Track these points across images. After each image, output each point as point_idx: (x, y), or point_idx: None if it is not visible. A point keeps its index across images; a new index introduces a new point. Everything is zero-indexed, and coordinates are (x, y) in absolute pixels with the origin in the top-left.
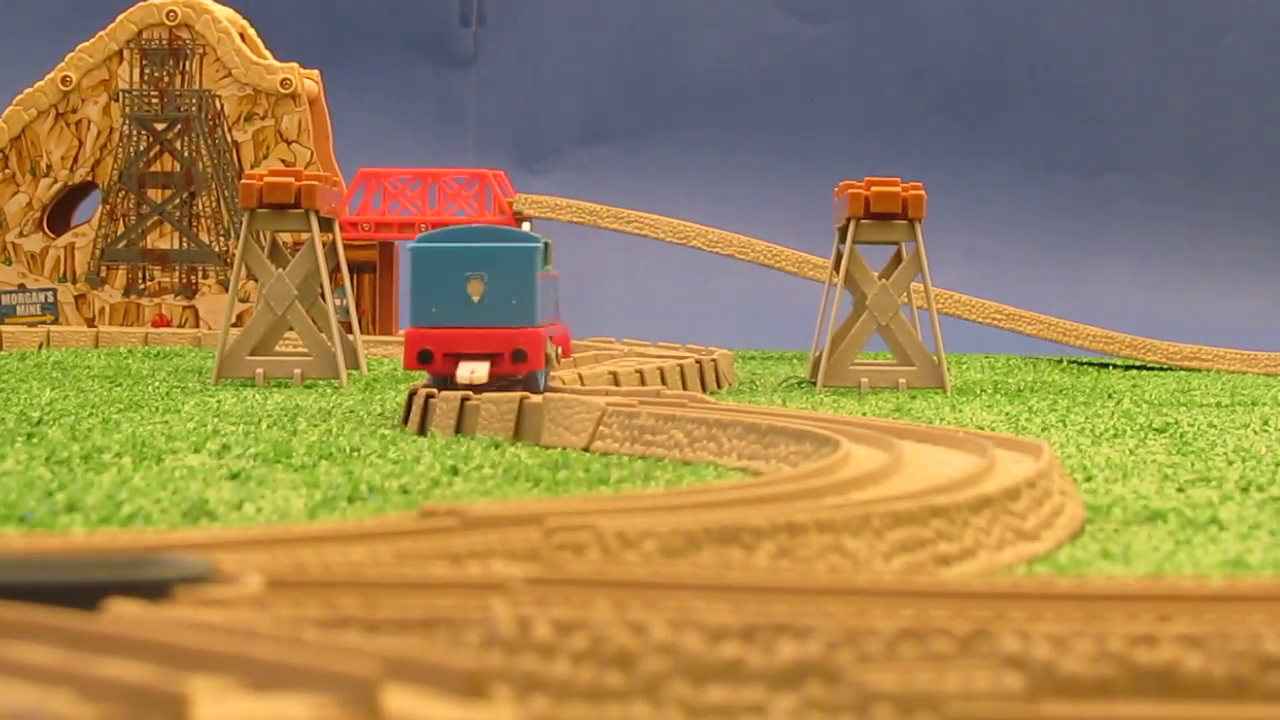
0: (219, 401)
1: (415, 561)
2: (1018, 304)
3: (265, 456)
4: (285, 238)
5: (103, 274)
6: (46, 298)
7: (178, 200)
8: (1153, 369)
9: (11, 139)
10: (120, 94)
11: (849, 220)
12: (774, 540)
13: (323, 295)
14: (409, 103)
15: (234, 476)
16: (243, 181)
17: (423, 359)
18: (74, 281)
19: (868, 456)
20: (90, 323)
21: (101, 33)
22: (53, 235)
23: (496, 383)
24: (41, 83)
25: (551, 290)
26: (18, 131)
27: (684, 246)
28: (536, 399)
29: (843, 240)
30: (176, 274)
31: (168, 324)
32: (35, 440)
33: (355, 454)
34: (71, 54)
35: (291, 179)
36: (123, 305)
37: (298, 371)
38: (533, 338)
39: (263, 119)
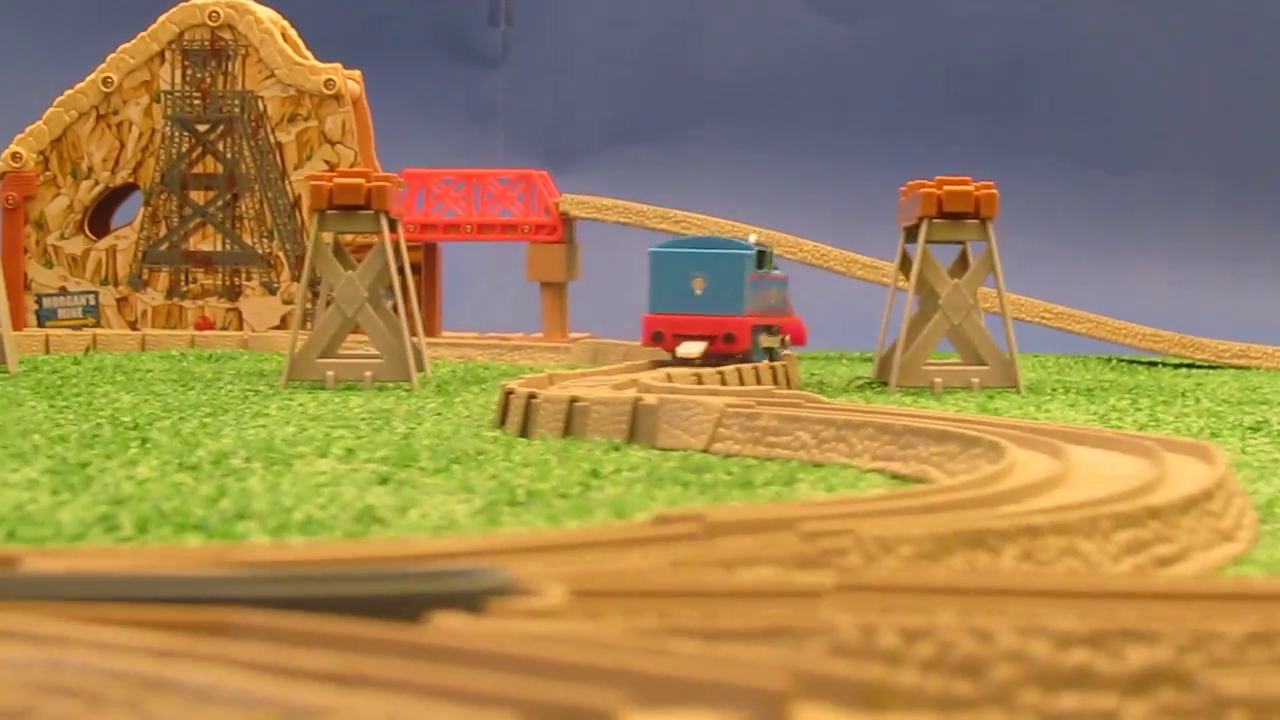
0: (301, 405)
1: (693, 569)
2: (1051, 302)
3: (394, 460)
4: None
5: (145, 276)
6: (88, 300)
7: (220, 202)
8: (1202, 367)
9: (52, 141)
10: (162, 95)
11: (920, 219)
12: (1016, 544)
13: (404, 295)
14: (437, 103)
15: (383, 482)
16: (313, 183)
17: (656, 338)
18: (116, 284)
19: (1031, 459)
20: (133, 326)
21: (142, 34)
22: (94, 238)
23: (711, 358)
24: (82, 84)
25: (770, 287)
26: (58, 133)
27: None
28: (651, 400)
29: (909, 239)
30: (219, 276)
31: (211, 326)
32: (150, 446)
33: (483, 457)
34: (112, 55)
35: (362, 180)
36: (165, 308)
37: (369, 374)
38: (741, 324)
39: (306, 120)
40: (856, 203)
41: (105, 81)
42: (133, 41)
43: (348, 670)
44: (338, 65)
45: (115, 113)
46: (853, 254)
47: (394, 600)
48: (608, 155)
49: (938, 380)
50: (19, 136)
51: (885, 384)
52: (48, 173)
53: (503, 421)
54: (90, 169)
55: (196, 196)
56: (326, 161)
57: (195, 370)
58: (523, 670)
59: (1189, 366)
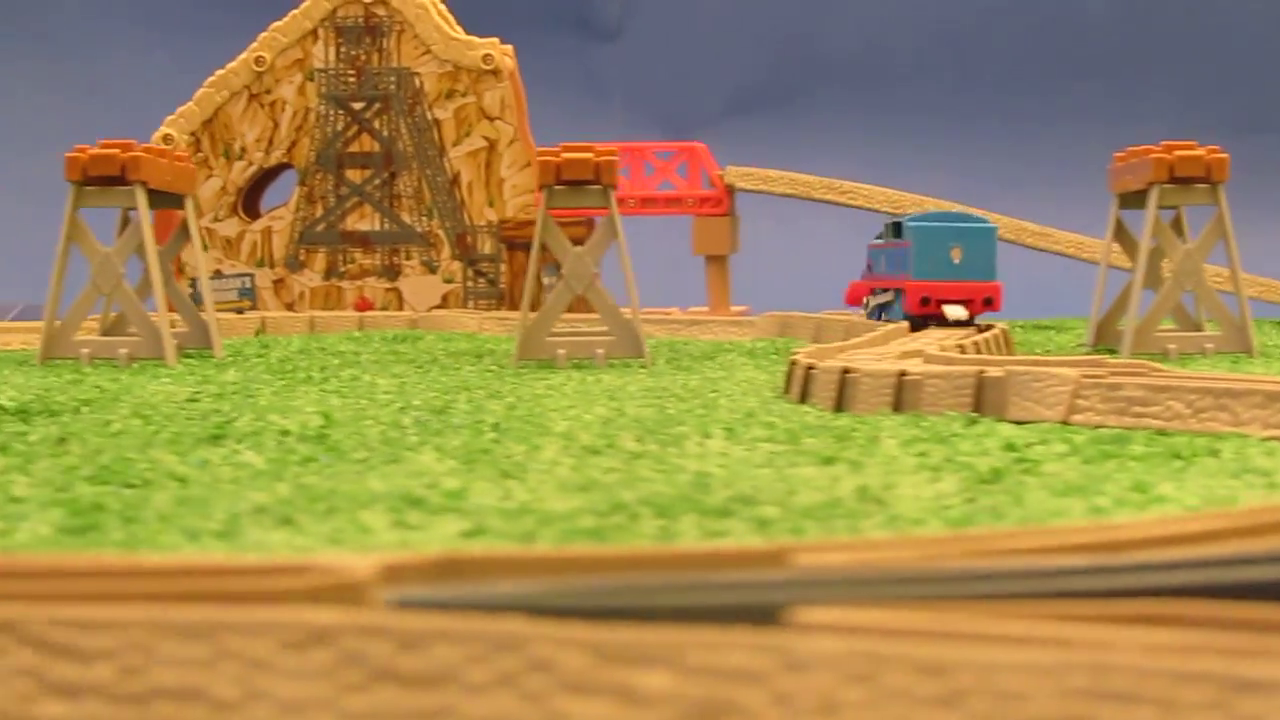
0: (562, 383)
1: None
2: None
3: (781, 438)
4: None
5: (302, 258)
6: (244, 283)
7: (378, 181)
8: None
9: (204, 122)
10: (315, 73)
11: (1150, 185)
12: None
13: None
14: (554, 75)
15: (828, 461)
16: (541, 158)
17: (923, 303)
18: (272, 266)
19: None
20: (289, 307)
21: (295, 11)
22: (248, 219)
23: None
24: (233, 63)
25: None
26: (210, 114)
27: (897, 216)
28: (997, 373)
29: (1124, 206)
30: (378, 256)
31: (370, 307)
32: (507, 431)
33: (857, 433)
34: (264, 33)
35: (590, 154)
36: (323, 289)
37: (600, 352)
38: (995, 289)
39: (464, 96)
40: (977, 168)
41: (257, 60)
42: (285, 19)
43: None
44: (494, 39)
45: (268, 92)
46: (1021, 222)
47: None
48: (727, 126)
49: (1171, 347)
50: (169, 118)
51: (1111, 351)
52: (199, 154)
53: (789, 391)
54: (243, 149)
55: (353, 175)
56: (485, 137)
57: (413, 353)
58: None
59: None
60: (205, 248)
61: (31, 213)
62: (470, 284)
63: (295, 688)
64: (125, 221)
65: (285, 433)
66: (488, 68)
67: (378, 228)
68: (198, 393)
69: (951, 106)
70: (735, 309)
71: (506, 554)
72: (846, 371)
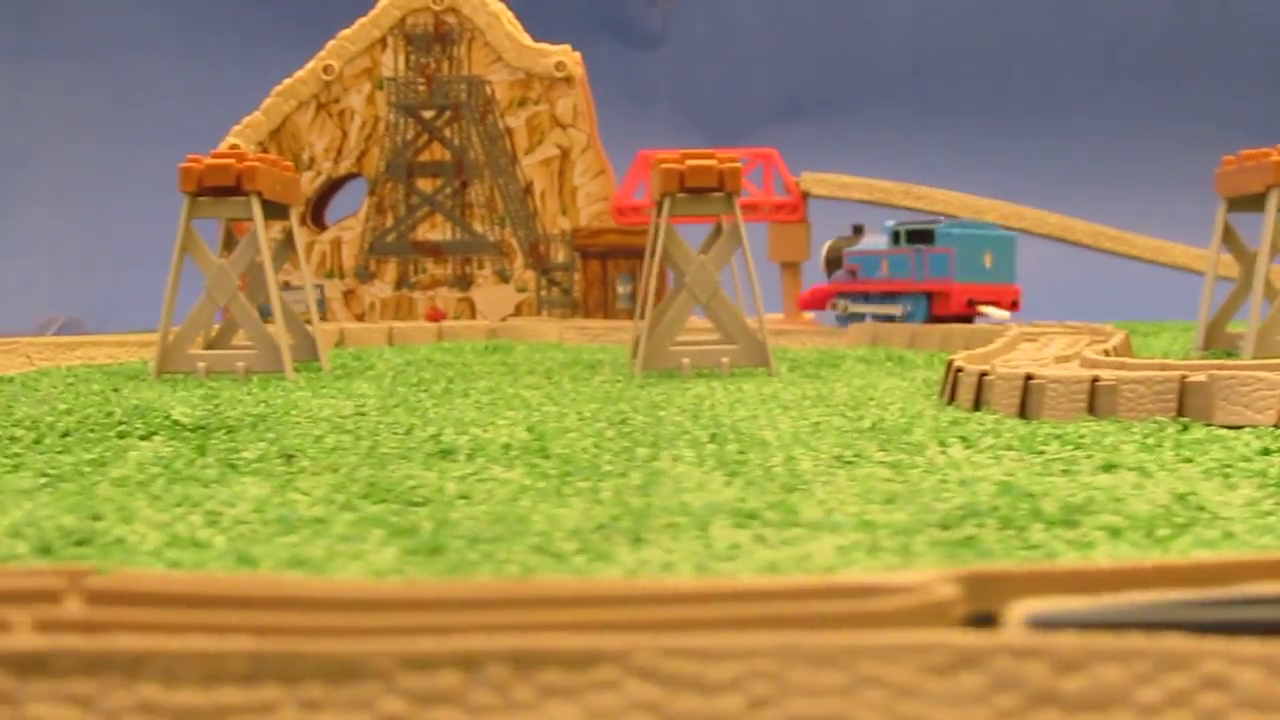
0: (722, 390)
1: None
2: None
3: (1010, 446)
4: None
5: (372, 268)
6: (314, 294)
7: (449, 190)
8: None
9: (271, 131)
10: (385, 82)
11: (1269, 188)
12: None
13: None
14: (600, 83)
15: (1108, 468)
16: (663, 165)
17: (970, 304)
18: (342, 277)
19: None
20: (359, 318)
21: (363, 19)
22: (317, 229)
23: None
24: (301, 72)
25: None
26: (278, 123)
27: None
28: (1200, 377)
29: (1234, 209)
30: (450, 266)
31: (442, 317)
32: (729, 441)
33: (1114, 449)
34: (332, 42)
35: (714, 161)
36: (394, 299)
37: (725, 360)
38: (1018, 292)
39: (536, 104)
40: (1020, 174)
41: (326, 69)
42: (353, 27)
43: None
44: (566, 47)
45: (336, 101)
46: (1100, 227)
47: None
48: (771, 133)
49: None
50: (236, 128)
51: (1228, 354)
52: None
53: (976, 403)
54: (312, 159)
55: (423, 185)
56: (558, 145)
57: (512, 362)
58: None
59: None
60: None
61: (65, 227)
62: (544, 293)
63: (950, 714)
64: (227, 233)
65: (507, 447)
66: (560, 75)
67: (449, 237)
68: (361, 406)
69: (994, 110)
70: (806, 316)
71: (1073, 569)
72: (1030, 378)
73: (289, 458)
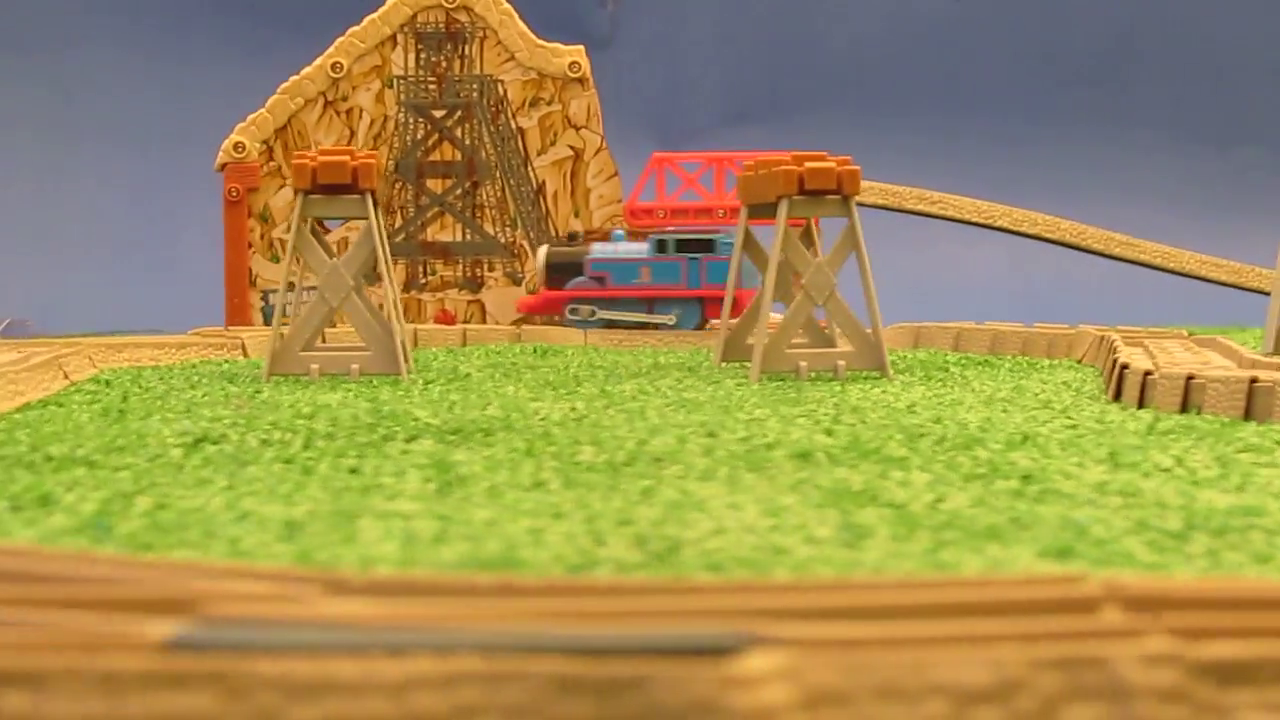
0: (858, 395)
1: None
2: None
3: (1249, 449)
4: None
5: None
6: None
7: (459, 190)
8: None
9: (276, 129)
10: (394, 80)
11: None
12: None
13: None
14: None
15: (1226, 478)
16: (782, 167)
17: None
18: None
19: None
20: None
21: (373, 16)
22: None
23: None
24: (308, 69)
25: None
26: (283, 121)
27: (988, 227)
28: (1268, 381)
29: None
30: (460, 267)
31: (451, 320)
32: (846, 437)
33: None
34: (341, 39)
35: (834, 164)
36: (402, 301)
37: (841, 363)
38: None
39: (549, 104)
40: (971, 171)
41: (334, 67)
42: (362, 24)
43: None
44: (581, 47)
45: (344, 99)
46: (1110, 233)
47: None
48: (720, 136)
49: None
50: (241, 125)
51: None
52: (272, 163)
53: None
54: None
55: (433, 185)
56: (571, 146)
57: (578, 368)
58: None
59: None
60: (276, 259)
61: (2, 224)
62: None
63: None
64: (319, 230)
65: (806, 450)
66: (574, 76)
67: (459, 238)
68: (568, 409)
69: (943, 113)
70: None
71: None
72: (1191, 378)
73: (658, 460)
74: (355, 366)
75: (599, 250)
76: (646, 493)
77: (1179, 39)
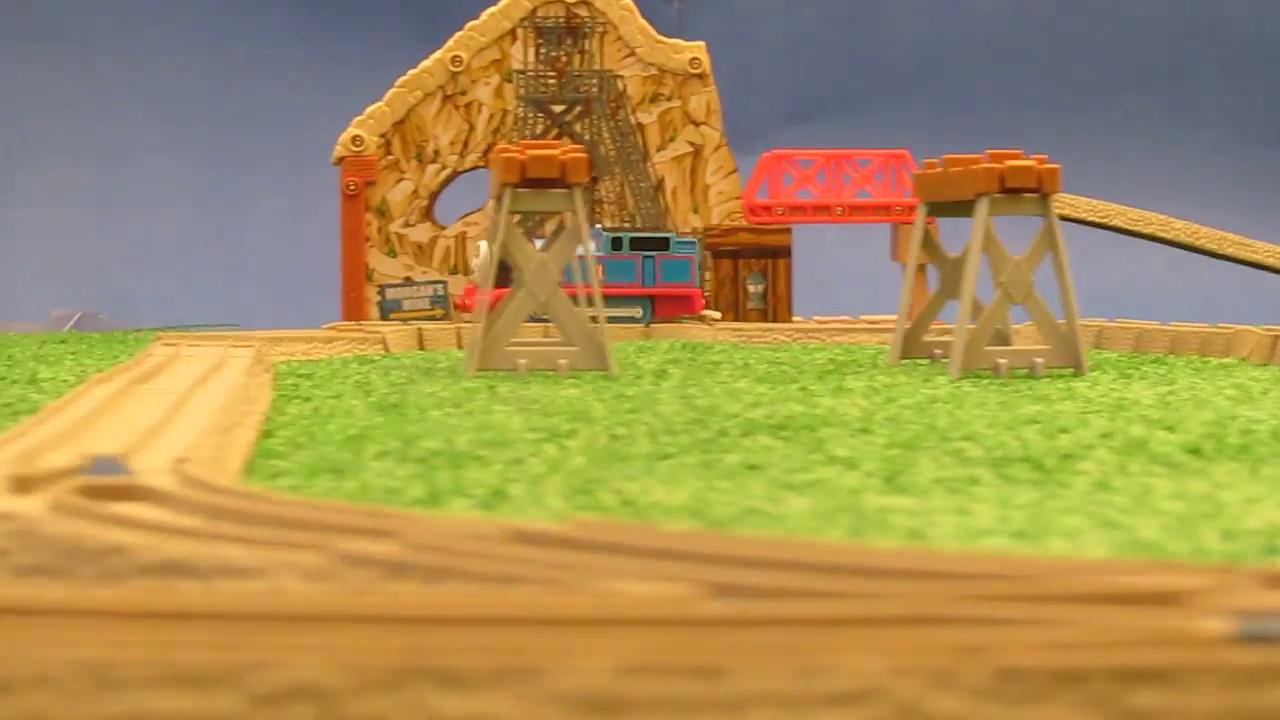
0: (1096, 392)
1: None
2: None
3: None
4: None
5: None
6: (436, 290)
7: None
8: None
9: (394, 123)
10: (514, 75)
11: None
12: None
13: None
14: None
15: None
16: (985, 165)
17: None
18: (466, 273)
19: None
20: None
21: (493, 9)
22: (441, 225)
23: None
24: (427, 63)
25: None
26: (401, 115)
27: (1103, 227)
28: None
29: None
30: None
31: None
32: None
33: None
34: (460, 33)
35: (1034, 162)
36: None
37: (1039, 360)
38: None
39: (669, 100)
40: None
41: (454, 60)
42: (482, 18)
43: None
44: (702, 43)
45: (463, 93)
46: (1224, 232)
47: None
48: (785, 134)
49: None
50: (358, 118)
51: None
52: (389, 157)
53: None
54: (436, 152)
55: None
56: (690, 143)
57: (742, 362)
58: None
59: None
60: (393, 254)
61: (72, 218)
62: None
63: None
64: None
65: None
66: (695, 71)
67: None
68: (860, 406)
69: (1005, 111)
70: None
71: None
72: None
73: (1066, 457)
74: (564, 362)
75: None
76: (1146, 491)
77: (1237, 40)
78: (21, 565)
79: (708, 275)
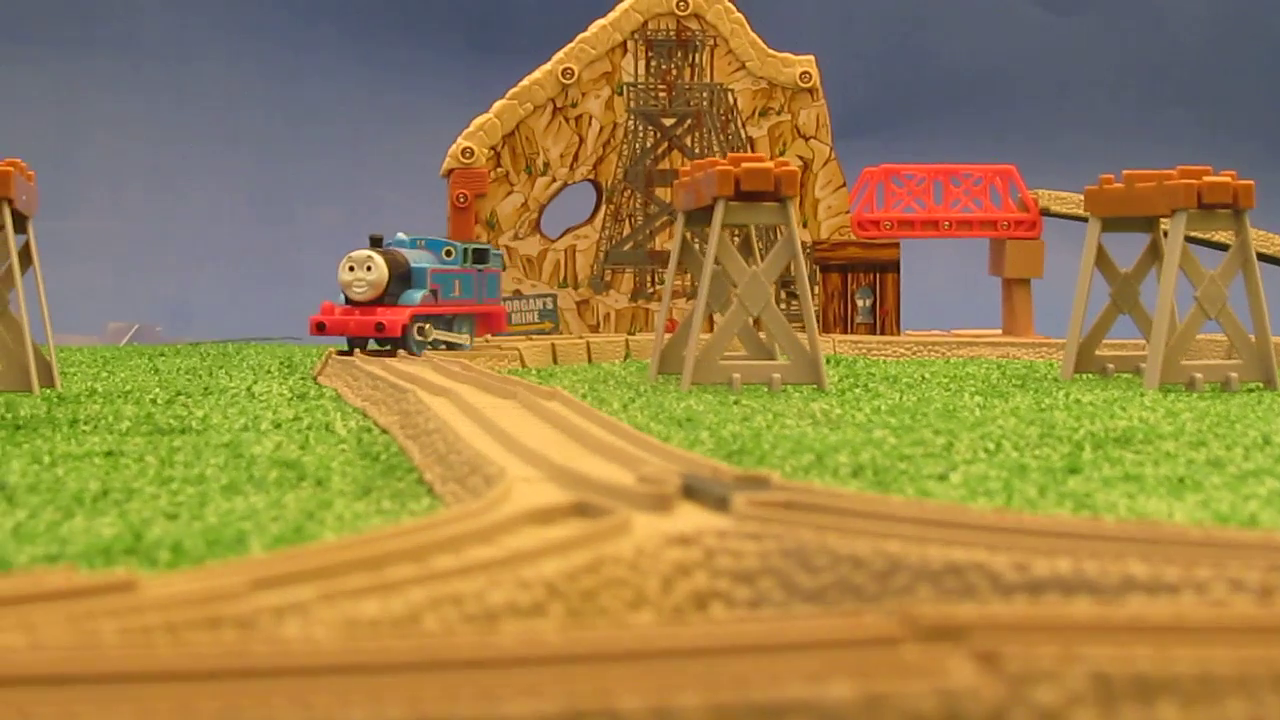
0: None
1: None
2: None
3: None
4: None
5: (607, 278)
6: (545, 304)
7: None
8: None
9: (504, 135)
10: (624, 87)
11: None
12: None
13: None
14: None
15: None
16: (1180, 180)
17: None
18: (576, 286)
19: None
20: (593, 329)
21: (603, 22)
22: (550, 238)
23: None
24: (537, 75)
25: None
26: (511, 127)
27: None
28: None
29: None
30: (687, 277)
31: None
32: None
33: None
34: (570, 45)
35: (1229, 178)
36: (629, 310)
37: (1234, 375)
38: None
39: (779, 114)
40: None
41: (565, 73)
42: (592, 30)
43: None
44: (811, 57)
45: (574, 105)
46: (1273, 235)
47: None
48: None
49: None
50: (468, 131)
51: None
52: (499, 169)
53: None
54: (546, 165)
55: (662, 194)
56: (800, 157)
57: (893, 375)
58: None
59: None
60: (504, 266)
61: (123, 229)
62: (783, 306)
63: None
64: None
65: None
66: (805, 85)
67: None
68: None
69: (1047, 136)
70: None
71: None
72: None
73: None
74: (777, 376)
75: (417, 259)
76: None
77: (1278, 56)
78: (809, 588)
79: (816, 289)
